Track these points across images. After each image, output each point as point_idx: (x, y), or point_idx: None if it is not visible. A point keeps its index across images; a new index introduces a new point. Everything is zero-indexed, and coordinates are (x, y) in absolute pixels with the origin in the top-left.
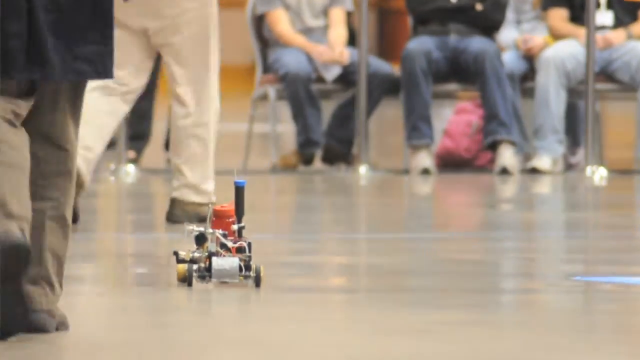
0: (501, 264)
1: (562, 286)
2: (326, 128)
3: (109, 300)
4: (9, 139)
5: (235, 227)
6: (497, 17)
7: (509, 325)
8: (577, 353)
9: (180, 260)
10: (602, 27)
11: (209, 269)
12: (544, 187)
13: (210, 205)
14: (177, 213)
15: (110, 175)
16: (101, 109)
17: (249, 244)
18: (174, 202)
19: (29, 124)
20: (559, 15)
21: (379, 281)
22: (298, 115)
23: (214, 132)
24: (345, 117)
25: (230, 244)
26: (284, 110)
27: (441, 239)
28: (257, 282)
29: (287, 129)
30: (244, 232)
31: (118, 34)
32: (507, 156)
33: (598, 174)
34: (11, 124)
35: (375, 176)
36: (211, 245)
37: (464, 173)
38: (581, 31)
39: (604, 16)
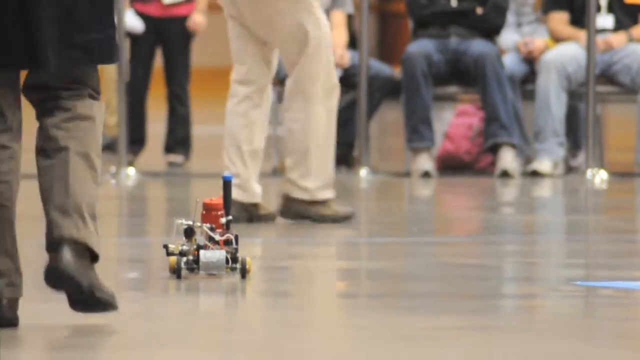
0: (502, 268)
1: (563, 291)
2: None
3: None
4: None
5: (223, 220)
6: (497, 21)
7: (509, 330)
8: (578, 358)
9: (169, 253)
10: (603, 30)
11: (197, 261)
12: (544, 190)
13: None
14: (282, 209)
15: (111, 179)
16: (236, 129)
17: (236, 237)
18: (282, 197)
19: (45, 109)
20: (560, 18)
21: (380, 285)
22: None
23: (320, 129)
24: (345, 119)
25: (217, 237)
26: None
27: (442, 242)
28: (243, 273)
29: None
30: (231, 225)
31: (237, 28)
32: (507, 159)
33: (599, 177)
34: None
35: (376, 179)
36: (200, 238)
37: (464, 176)
38: (582, 34)
39: (605, 19)
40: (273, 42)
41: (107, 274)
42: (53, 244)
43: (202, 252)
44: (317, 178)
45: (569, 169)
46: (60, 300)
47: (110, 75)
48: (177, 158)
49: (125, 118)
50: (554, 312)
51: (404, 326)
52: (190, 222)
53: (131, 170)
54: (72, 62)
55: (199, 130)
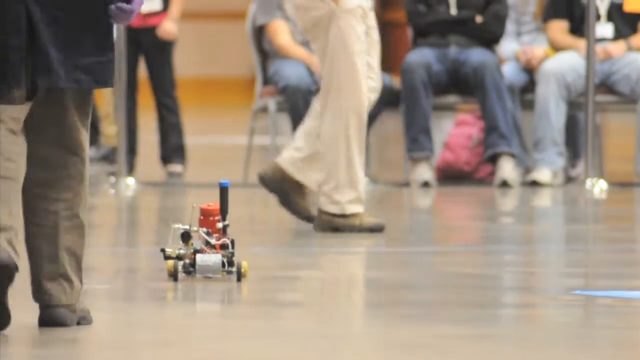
0: (501, 278)
1: (562, 300)
2: None
3: (107, 315)
4: (6, 150)
5: (220, 225)
6: (496, 30)
7: (509, 340)
8: None
9: (167, 257)
10: (602, 39)
11: (193, 264)
12: (544, 199)
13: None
14: (316, 222)
15: (110, 189)
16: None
17: (232, 241)
18: (317, 210)
19: (41, 130)
20: (559, 27)
21: (379, 295)
22: (298, 127)
23: (353, 140)
24: None
25: (213, 241)
26: (284, 122)
27: (441, 252)
28: (239, 276)
29: (287, 141)
30: (228, 230)
31: None
32: (507, 169)
33: (598, 187)
34: (11, 132)
35: (376, 189)
36: (197, 242)
37: (464, 186)
38: (581, 43)
39: (604, 28)
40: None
41: (106, 284)
42: (45, 305)
43: (198, 255)
44: (348, 192)
45: (569, 179)
46: None
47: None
48: (177, 167)
49: (125, 128)
50: (553, 322)
51: (403, 335)
52: (187, 227)
53: (130, 180)
54: (78, 84)
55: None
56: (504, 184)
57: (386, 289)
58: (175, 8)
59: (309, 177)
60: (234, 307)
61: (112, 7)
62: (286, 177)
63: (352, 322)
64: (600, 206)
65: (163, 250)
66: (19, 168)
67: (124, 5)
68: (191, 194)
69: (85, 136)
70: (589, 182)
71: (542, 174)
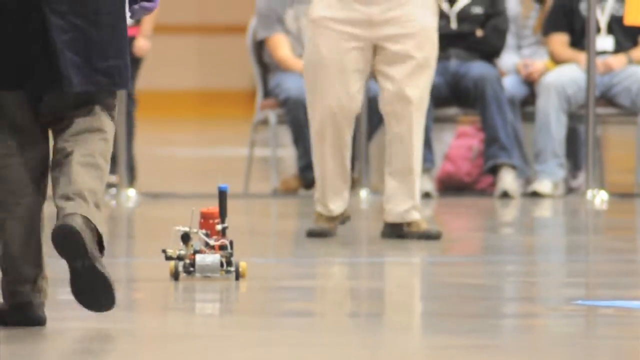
0: (502, 288)
1: (563, 310)
2: None
3: (107, 324)
4: (19, 189)
5: (219, 227)
6: (497, 43)
7: (510, 350)
8: None
9: (168, 257)
10: (603, 52)
11: (193, 264)
12: (544, 210)
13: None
14: (382, 230)
15: (111, 200)
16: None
17: (231, 242)
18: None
19: (68, 128)
20: (560, 40)
21: (379, 305)
22: (299, 139)
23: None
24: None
25: (212, 242)
26: (285, 134)
27: (442, 263)
28: (237, 276)
29: (288, 153)
30: (227, 232)
31: None
32: (507, 180)
33: (599, 198)
34: (24, 165)
35: (376, 200)
36: (196, 244)
37: (464, 197)
38: (582, 56)
39: (605, 41)
40: None
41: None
42: (61, 216)
43: (198, 256)
44: (405, 201)
45: (569, 190)
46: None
47: None
48: (110, 178)
49: (125, 140)
50: (554, 332)
51: (403, 345)
52: (187, 229)
53: (131, 192)
54: (96, 86)
55: (193, 152)
56: (505, 195)
57: (387, 299)
58: (148, 25)
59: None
60: (232, 318)
61: (136, 6)
62: None
63: (351, 331)
64: (601, 217)
65: (164, 251)
66: (37, 202)
67: (146, 4)
68: (192, 205)
69: (110, 125)
70: (589, 193)
71: (543, 185)
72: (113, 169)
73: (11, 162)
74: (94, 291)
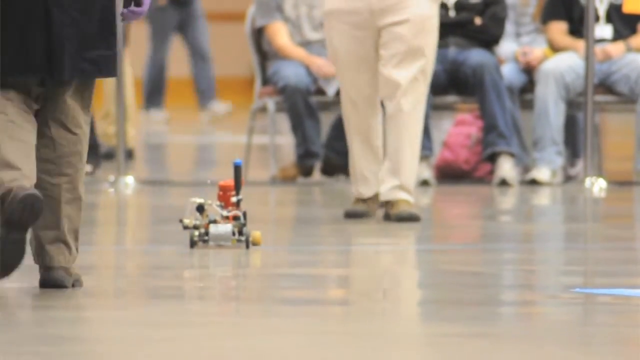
0: (500, 276)
1: (561, 298)
2: (325, 140)
3: (108, 313)
4: (20, 122)
5: (234, 199)
6: (496, 31)
7: (508, 337)
8: None
9: (185, 227)
10: (602, 40)
11: (207, 233)
12: (543, 198)
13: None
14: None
15: (110, 187)
16: None
17: (244, 213)
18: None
19: (46, 111)
20: (558, 28)
21: (378, 293)
22: (297, 127)
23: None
24: (344, 128)
25: (225, 213)
26: (283, 122)
27: (440, 250)
28: (247, 244)
29: (286, 141)
30: (241, 204)
31: None
32: (506, 168)
33: (597, 186)
34: (25, 111)
35: None
36: (212, 214)
37: (463, 185)
38: (580, 44)
39: (603, 29)
40: None
41: (107, 281)
42: (46, 266)
43: (212, 225)
44: (390, 180)
45: (568, 178)
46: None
47: (110, 87)
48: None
49: (122, 128)
50: (552, 319)
51: (402, 333)
52: (202, 200)
53: (129, 179)
54: (83, 74)
55: (192, 139)
56: (503, 183)
57: (385, 286)
58: None
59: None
60: (230, 305)
61: (125, 10)
62: None
63: (349, 319)
64: (599, 205)
65: (181, 221)
66: (32, 136)
67: (135, 8)
68: (190, 193)
69: (84, 119)
70: (588, 181)
71: (541, 173)
72: (89, 159)
73: (20, 108)
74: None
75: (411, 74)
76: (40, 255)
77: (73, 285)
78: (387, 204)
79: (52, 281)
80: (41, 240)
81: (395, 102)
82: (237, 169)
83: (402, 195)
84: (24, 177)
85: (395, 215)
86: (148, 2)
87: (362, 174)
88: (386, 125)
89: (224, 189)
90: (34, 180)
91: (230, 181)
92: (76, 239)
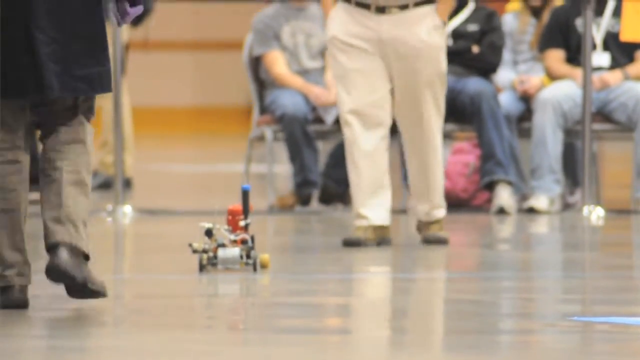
0: (499, 304)
1: (560, 326)
2: (323, 168)
3: (107, 342)
4: (6, 182)
5: (242, 223)
6: (493, 59)
7: None
8: None
9: (194, 251)
10: (599, 68)
11: (216, 257)
12: (541, 227)
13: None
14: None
15: (108, 217)
16: None
17: (252, 237)
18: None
19: (47, 120)
20: (556, 56)
21: (377, 322)
22: (295, 156)
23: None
24: (342, 157)
25: (233, 237)
26: (281, 151)
27: (439, 279)
28: (255, 267)
29: (284, 170)
30: (249, 227)
31: None
32: (504, 196)
33: (595, 214)
34: (10, 163)
35: None
36: (221, 238)
37: (461, 213)
38: (578, 72)
39: (601, 57)
40: None
41: (105, 311)
42: (51, 247)
43: (220, 249)
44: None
45: (566, 206)
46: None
47: (108, 116)
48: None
49: (120, 157)
50: (551, 348)
51: None
52: (211, 225)
53: (127, 208)
54: (75, 93)
55: (189, 168)
56: (501, 211)
57: (383, 315)
58: None
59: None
60: (227, 334)
61: (116, 11)
62: None
63: (348, 349)
64: (598, 233)
65: (190, 245)
66: (20, 196)
67: (130, 9)
68: (188, 222)
69: (86, 131)
70: (586, 209)
71: (539, 201)
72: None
73: (1, 159)
74: (87, 297)
75: (428, 106)
76: (46, 236)
77: (86, 286)
78: (421, 224)
79: (55, 269)
80: (46, 221)
81: (416, 130)
82: (245, 194)
83: (435, 216)
84: (9, 266)
85: (423, 238)
86: (140, 8)
87: (364, 201)
88: (408, 152)
89: (232, 213)
90: (21, 258)
91: (238, 205)
92: (84, 222)
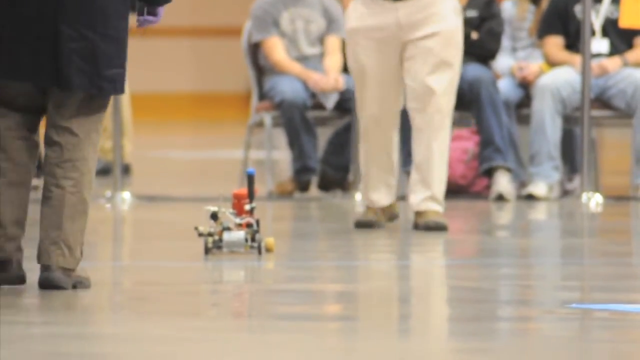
0: (497, 291)
1: (558, 313)
2: (322, 155)
3: (107, 329)
4: (17, 157)
5: (247, 207)
6: (492, 46)
7: (505, 353)
8: None
9: (200, 234)
10: (598, 55)
11: (221, 240)
12: (539, 213)
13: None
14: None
15: (106, 203)
16: None
17: (257, 221)
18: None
19: (54, 117)
20: (555, 43)
21: (375, 309)
22: (294, 142)
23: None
24: (341, 143)
25: (239, 221)
26: (280, 137)
27: (437, 265)
28: (259, 250)
29: (283, 156)
30: (254, 211)
31: None
32: (503, 183)
33: (594, 200)
34: (23, 139)
35: None
36: (226, 222)
37: (459, 200)
38: (577, 58)
39: (600, 44)
40: None
41: (104, 297)
42: (44, 266)
43: (225, 232)
44: (421, 190)
45: (565, 193)
46: None
47: None
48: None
49: (119, 143)
50: (549, 335)
51: (399, 349)
52: (216, 209)
53: (126, 195)
54: (101, 91)
55: (189, 154)
56: (500, 198)
57: (382, 302)
58: None
59: None
60: (226, 321)
61: (142, 18)
62: None
63: (348, 335)
64: (596, 220)
65: (196, 229)
66: (29, 173)
67: (150, 17)
68: (187, 208)
69: (94, 127)
70: (584, 196)
71: (538, 188)
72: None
73: (12, 135)
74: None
75: (442, 85)
76: (40, 255)
77: (75, 287)
78: (417, 214)
79: (48, 281)
80: (43, 240)
81: (426, 113)
82: (250, 178)
83: (432, 207)
84: (10, 239)
85: (423, 224)
86: (162, 11)
87: (375, 183)
88: (415, 136)
89: (237, 197)
90: (22, 233)
91: (243, 189)
92: (80, 241)
